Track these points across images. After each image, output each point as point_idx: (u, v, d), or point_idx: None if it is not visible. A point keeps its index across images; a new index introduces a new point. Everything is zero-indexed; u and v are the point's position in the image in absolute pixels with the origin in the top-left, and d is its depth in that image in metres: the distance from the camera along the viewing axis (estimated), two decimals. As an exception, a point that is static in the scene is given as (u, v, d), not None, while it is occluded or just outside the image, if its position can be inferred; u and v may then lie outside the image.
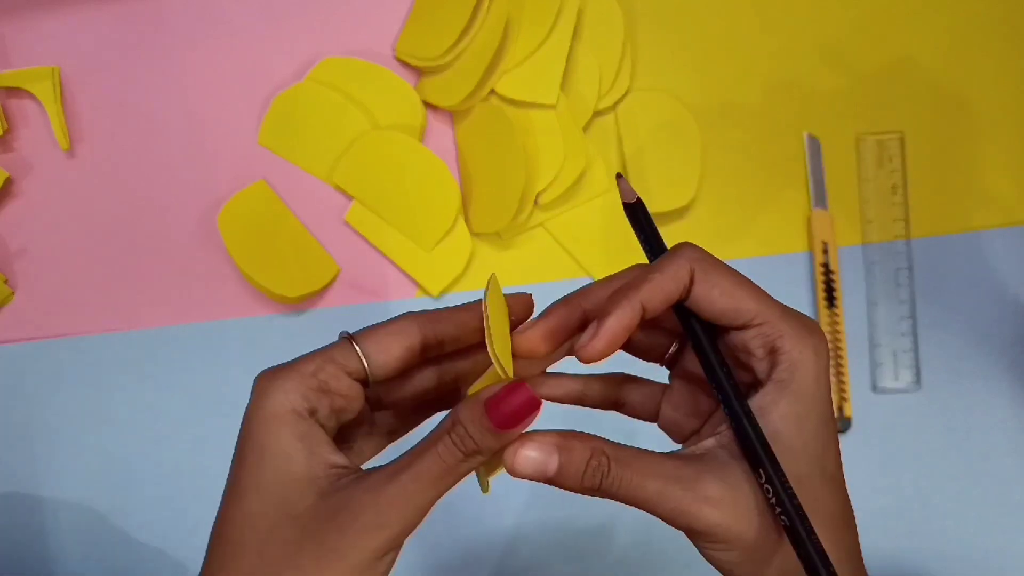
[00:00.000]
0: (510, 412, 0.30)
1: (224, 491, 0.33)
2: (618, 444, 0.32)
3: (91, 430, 0.58)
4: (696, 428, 0.36)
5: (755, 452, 0.31)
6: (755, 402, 0.32)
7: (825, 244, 0.62)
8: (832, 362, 0.62)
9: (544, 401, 0.32)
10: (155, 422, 0.59)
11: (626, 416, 0.37)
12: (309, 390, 0.32)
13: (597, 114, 0.61)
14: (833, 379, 0.61)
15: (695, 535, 0.31)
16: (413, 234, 0.59)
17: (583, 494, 0.32)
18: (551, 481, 0.31)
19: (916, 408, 0.62)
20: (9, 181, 0.58)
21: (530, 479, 0.31)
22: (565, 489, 0.31)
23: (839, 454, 0.34)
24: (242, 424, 0.33)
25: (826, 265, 0.62)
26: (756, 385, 0.33)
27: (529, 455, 0.31)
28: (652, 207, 0.61)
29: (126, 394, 0.59)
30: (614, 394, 0.37)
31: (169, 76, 0.60)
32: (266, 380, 0.33)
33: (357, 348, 0.33)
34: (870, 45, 0.64)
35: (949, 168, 0.64)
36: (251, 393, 0.33)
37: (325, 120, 0.59)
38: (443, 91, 0.60)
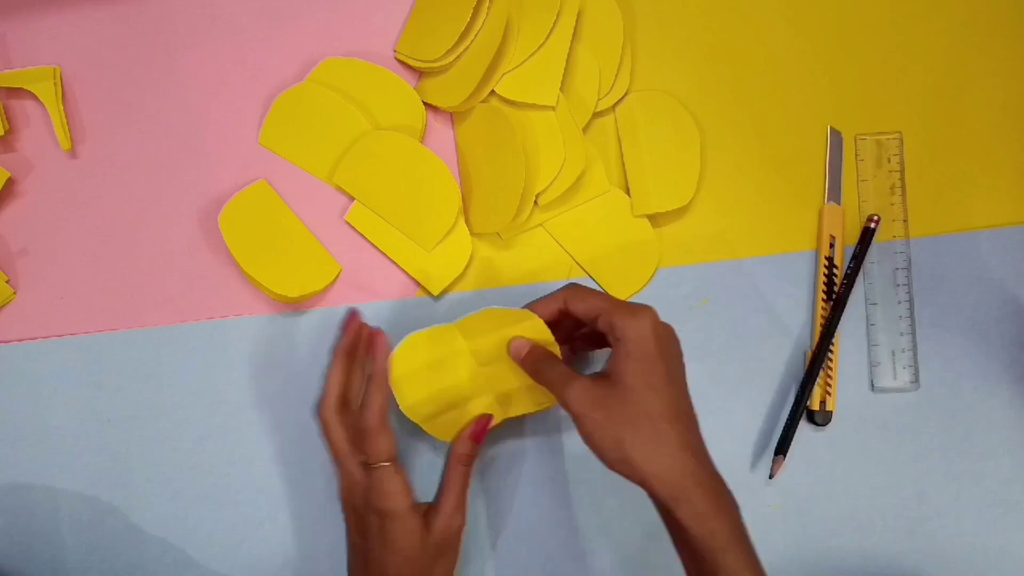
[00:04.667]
0: (479, 430, 0.56)
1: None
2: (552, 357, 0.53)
3: (91, 430, 0.58)
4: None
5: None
6: (610, 364, 0.50)
7: (833, 239, 0.62)
8: (826, 360, 0.62)
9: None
10: (155, 422, 0.59)
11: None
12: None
13: (597, 115, 0.62)
14: (820, 375, 0.61)
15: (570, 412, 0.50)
16: (414, 234, 0.59)
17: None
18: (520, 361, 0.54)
19: (915, 408, 0.62)
20: (11, 181, 0.58)
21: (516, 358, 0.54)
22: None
23: (673, 375, 0.50)
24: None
25: (830, 259, 0.62)
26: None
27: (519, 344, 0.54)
28: (652, 207, 0.62)
29: (126, 394, 0.59)
30: (561, 307, 0.54)
31: (170, 76, 0.60)
32: (327, 408, 0.55)
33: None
34: (870, 46, 0.64)
35: (948, 168, 0.64)
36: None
37: (326, 121, 0.59)
38: (443, 92, 0.60)
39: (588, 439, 0.49)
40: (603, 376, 0.50)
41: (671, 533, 0.49)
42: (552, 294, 0.54)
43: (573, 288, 0.54)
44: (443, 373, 0.55)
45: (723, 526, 0.47)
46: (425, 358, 0.55)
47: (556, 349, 0.54)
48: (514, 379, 0.55)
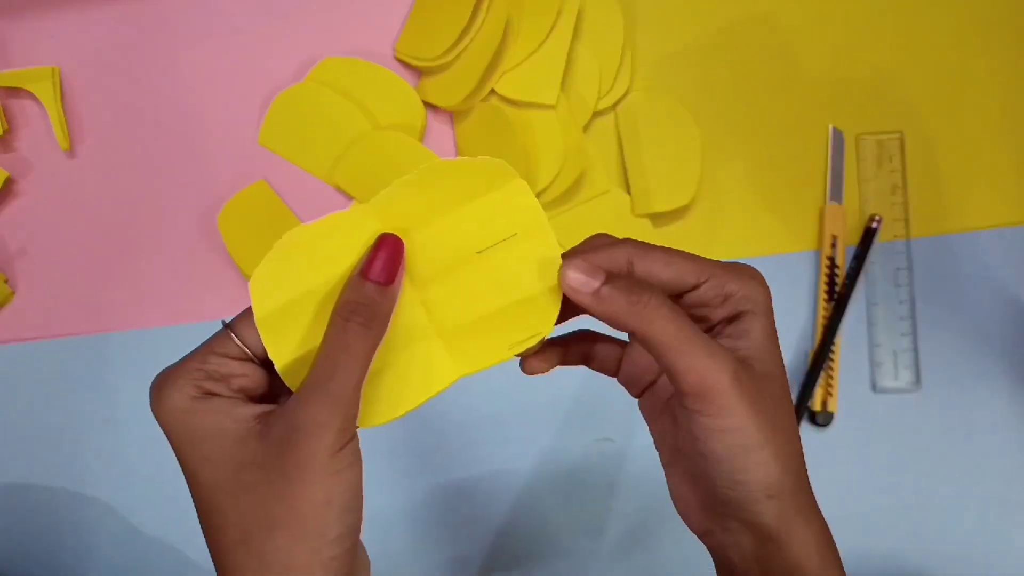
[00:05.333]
0: (384, 264, 0.33)
1: (191, 494, 0.35)
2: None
3: (91, 430, 0.58)
4: (652, 381, 0.39)
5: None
6: (737, 328, 0.35)
7: (834, 239, 0.62)
8: (828, 360, 0.62)
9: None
10: (155, 422, 0.59)
11: (592, 370, 0.40)
12: (199, 380, 0.34)
13: (597, 114, 0.61)
14: (822, 375, 0.61)
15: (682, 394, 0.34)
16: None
17: (610, 322, 0.34)
18: (589, 306, 0.34)
19: (916, 408, 0.62)
20: (9, 181, 0.58)
21: (575, 297, 0.34)
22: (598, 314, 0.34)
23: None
24: (163, 430, 0.34)
25: (832, 259, 0.62)
26: (715, 331, 0.36)
27: (575, 275, 0.34)
28: (652, 207, 0.61)
29: (126, 394, 0.59)
30: (586, 350, 0.39)
31: (169, 76, 0.60)
32: (159, 382, 0.34)
33: (234, 337, 0.35)
34: (870, 45, 0.64)
35: (950, 168, 0.64)
36: (149, 399, 0.34)
37: (325, 120, 0.59)
38: (443, 91, 0.60)
39: (731, 451, 0.34)
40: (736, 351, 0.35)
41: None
42: (602, 247, 0.36)
43: (634, 244, 0.35)
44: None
45: (836, 566, 0.37)
46: (312, 280, 0.34)
47: (554, 247, 0.35)
48: (477, 304, 0.35)
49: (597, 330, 0.38)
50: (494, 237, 0.35)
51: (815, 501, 0.36)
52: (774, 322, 0.35)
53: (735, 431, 0.33)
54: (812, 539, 0.35)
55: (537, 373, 0.37)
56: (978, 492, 0.62)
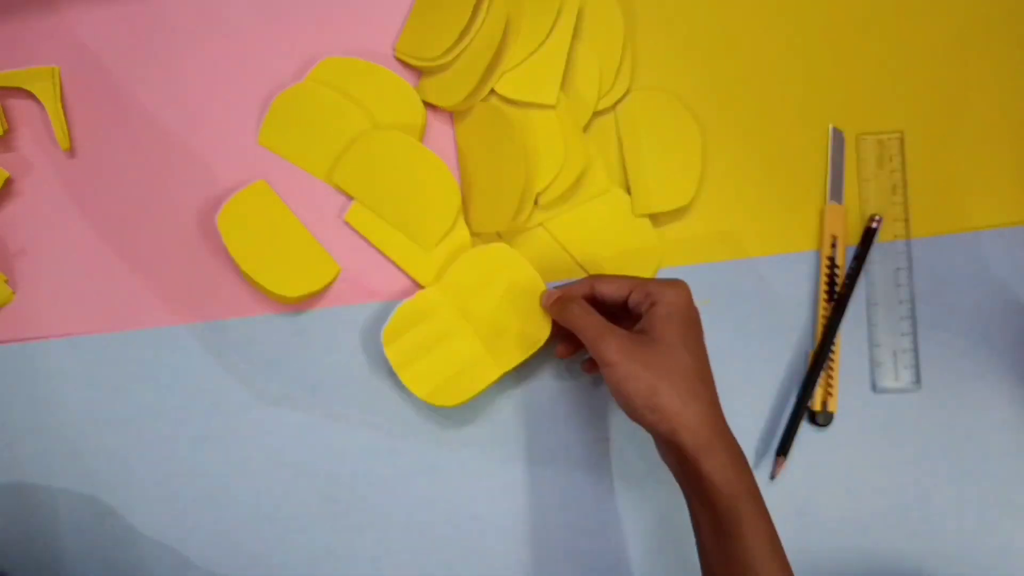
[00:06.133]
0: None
1: None
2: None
3: (91, 430, 0.58)
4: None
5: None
6: (645, 323, 0.52)
7: (835, 239, 0.62)
8: (828, 360, 0.62)
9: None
10: (155, 422, 0.59)
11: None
12: None
13: (597, 114, 0.61)
14: (822, 375, 0.61)
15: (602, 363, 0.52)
16: (413, 234, 0.59)
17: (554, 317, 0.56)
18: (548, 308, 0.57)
19: (916, 408, 0.62)
20: (9, 181, 0.58)
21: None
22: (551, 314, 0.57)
23: (700, 340, 0.53)
24: None
25: (832, 259, 0.62)
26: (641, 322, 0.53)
27: (544, 297, 0.57)
28: (652, 207, 0.61)
29: (126, 394, 0.59)
30: (590, 291, 0.56)
31: (169, 76, 0.60)
32: None
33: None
34: (871, 45, 0.64)
35: (949, 168, 0.64)
36: None
37: (325, 120, 0.59)
38: (443, 91, 0.59)
39: (620, 385, 0.50)
40: (638, 332, 0.52)
41: (689, 488, 0.51)
42: (576, 281, 0.56)
43: (597, 275, 0.56)
44: (435, 339, 0.57)
45: (746, 477, 0.50)
46: (415, 328, 0.57)
47: (541, 285, 0.58)
48: (503, 325, 0.58)
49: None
50: (505, 283, 0.59)
51: (721, 429, 0.50)
52: (676, 306, 0.52)
53: (624, 380, 0.50)
54: (719, 460, 0.49)
55: (566, 356, 0.59)
56: (978, 492, 0.62)
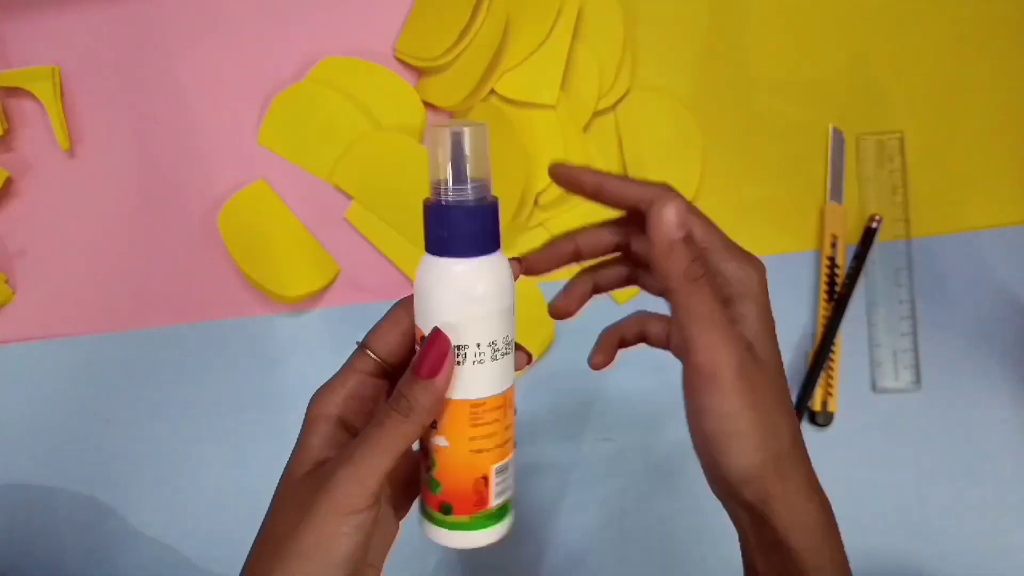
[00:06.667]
0: (430, 360, 0.36)
1: None
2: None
3: (91, 430, 0.58)
4: None
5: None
6: (734, 312, 0.38)
7: (835, 239, 0.62)
8: (828, 361, 0.62)
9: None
10: (155, 422, 0.59)
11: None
12: (342, 399, 0.39)
13: (597, 114, 0.61)
14: (822, 375, 0.61)
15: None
16: (412, 235, 0.59)
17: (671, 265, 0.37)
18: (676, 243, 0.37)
19: (916, 408, 0.62)
20: (9, 181, 0.58)
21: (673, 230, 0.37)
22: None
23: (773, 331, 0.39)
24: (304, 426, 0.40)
25: (832, 259, 0.62)
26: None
27: (672, 214, 0.37)
28: (652, 207, 0.61)
29: (126, 394, 0.59)
30: (641, 329, 0.44)
31: (169, 76, 0.60)
32: (316, 395, 0.40)
33: (370, 352, 0.40)
34: (871, 45, 0.64)
35: (949, 168, 0.64)
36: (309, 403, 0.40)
37: (325, 120, 0.59)
38: (443, 91, 0.59)
39: (726, 444, 0.36)
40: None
41: (760, 551, 0.39)
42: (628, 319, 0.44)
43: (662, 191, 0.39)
44: None
45: (833, 543, 0.40)
46: None
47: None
48: None
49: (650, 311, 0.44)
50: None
51: (809, 480, 0.39)
52: (769, 305, 0.38)
53: (726, 416, 0.36)
54: (797, 517, 0.37)
55: (601, 368, 0.44)
56: (978, 492, 0.62)
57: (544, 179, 0.59)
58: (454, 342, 0.36)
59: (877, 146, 0.64)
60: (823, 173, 0.63)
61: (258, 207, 0.59)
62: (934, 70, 0.64)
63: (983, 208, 0.64)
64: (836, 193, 0.63)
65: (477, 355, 0.36)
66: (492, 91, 0.60)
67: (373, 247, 0.60)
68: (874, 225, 0.62)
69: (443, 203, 0.35)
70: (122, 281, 0.59)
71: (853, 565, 0.58)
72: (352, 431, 0.39)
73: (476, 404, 0.37)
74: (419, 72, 0.61)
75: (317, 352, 0.59)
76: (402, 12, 0.61)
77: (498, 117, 0.59)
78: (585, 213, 0.61)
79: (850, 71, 0.64)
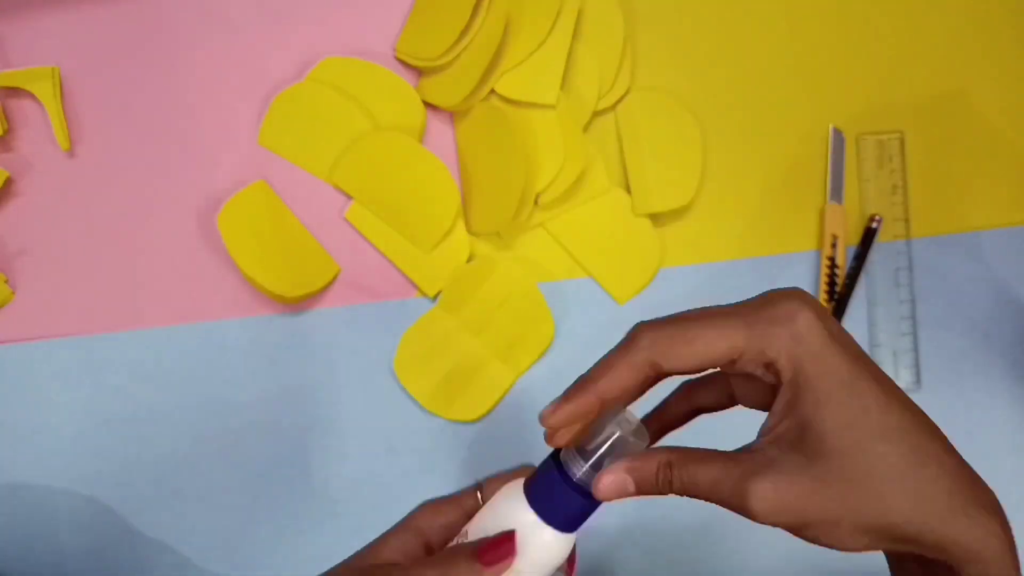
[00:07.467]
0: (497, 556, 0.37)
1: None
2: (682, 449, 0.35)
3: (91, 430, 0.58)
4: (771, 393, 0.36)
5: None
6: (782, 403, 0.34)
7: (835, 239, 0.62)
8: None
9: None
10: (154, 422, 0.59)
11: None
12: (439, 524, 0.43)
13: (597, 114, 0.61)
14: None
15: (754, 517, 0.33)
16: (411, 235, 0.59)
17: (661, 495, 0.35)
18: (633, 495, 0.35)
19: (916, 408, 0.62)
20: (9, 181, 0.58)
21: (616, 499, 0.36)
22: (646, 496, 0.36)
23: (882, 385, 0.33)
24: None
25: (832, 259, 0.62)
26: (779, 386, 0.34)
27: (609, 481, 0.35)
28: (652, 207, 0.61)
29: (126, 394, 0.59)
30: (688, 405, 0.40)
31: (169, 76, 0.60)
32: (426, 506, 0.44)
33: (479, 496, 0.44)
34: (871, 45, 0.64)
35: (949, 168, 0.64)
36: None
37: (325, 120, 0.59)
38: (443, 91, 0.59)
39: (823, 538, 0.34)
40: (787, 432, 0.33)
41: None
42: (620, 347, 0.36)
43: (658, 342, 0.35)
44: (446, 359, 0.58)
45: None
46: (425, 353, 0.58)
47: (535, 287, 0.60)
48: (509, 331, 0.59)
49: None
50: (502, 291, 0.59)
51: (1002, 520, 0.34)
52: (815, 355, 0.32)
53: (820, 527, 0.33)
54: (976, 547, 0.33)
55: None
56: (978, 492, 0.62)
57: (544, 179, 0.59)
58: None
59: (877, 146, 0.64)
60: (823, 173, 0.63)
61: (258, 207, 0.58)
62: (934, 70, 0.64)
63: (983, 208, 0.64)
64: (836, 193, 0.63)
65: None
66: (492, 91, 0.60)
67: (373, 247, 0.60)
68: (874, 225, 0.62)
69: (576, 480, 0.38)
70: (121, 281, 0.59)
71: (853, 565, 0.58)
72: (428, 551, 0.42)
73: None
74: (419, 72, 0.61)
75: (317, 352, 0.59)
76: (402, 12, 0.61)
77: (498, 117, 0.59)
78: (585, 214, 0.61)
79: (850, 71, 0.64)
